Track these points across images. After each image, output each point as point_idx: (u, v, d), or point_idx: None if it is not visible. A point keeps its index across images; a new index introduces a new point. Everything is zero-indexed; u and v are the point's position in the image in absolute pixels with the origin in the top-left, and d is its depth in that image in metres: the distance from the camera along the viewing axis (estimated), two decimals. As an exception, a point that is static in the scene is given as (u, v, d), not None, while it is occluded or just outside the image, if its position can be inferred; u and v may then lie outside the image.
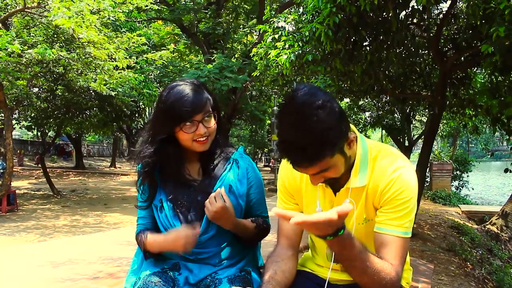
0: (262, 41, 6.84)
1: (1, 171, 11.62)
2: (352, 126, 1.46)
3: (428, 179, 15.61)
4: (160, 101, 1.65)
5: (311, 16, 5.65)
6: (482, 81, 8.00)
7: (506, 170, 6.87)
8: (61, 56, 8.55)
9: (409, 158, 11.58)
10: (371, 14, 5.30)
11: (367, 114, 14.49)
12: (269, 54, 6.11)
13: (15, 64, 9.01)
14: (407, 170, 1.40)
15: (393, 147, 1.51)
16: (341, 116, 1.28)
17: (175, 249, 1.60)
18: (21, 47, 8.00)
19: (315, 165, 1.29)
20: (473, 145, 46.71)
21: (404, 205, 1.37)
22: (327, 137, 1.22)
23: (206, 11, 14.93)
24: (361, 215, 1.46)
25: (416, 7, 5.53)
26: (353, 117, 13.52)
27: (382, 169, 1.41)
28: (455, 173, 16.55)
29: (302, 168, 1.32)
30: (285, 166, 1.61)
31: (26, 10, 8.73)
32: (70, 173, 23.15)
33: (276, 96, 21.03)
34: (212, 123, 1.67)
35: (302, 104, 1.24)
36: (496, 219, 10.59)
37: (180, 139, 1.65)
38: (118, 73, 9.56)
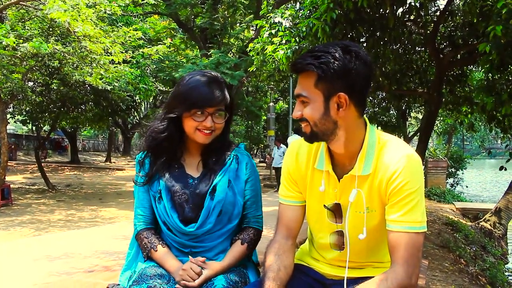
0: (259, 37, 6.83)
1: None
2: (365, 118, 1.48)
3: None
4: (181, 84, 1.69)
5: (308, 11, 5.65)
6: (478, 78, 8.03)
7: (501, 168, 6.88)
8: (57, 50, 8.48)
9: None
10: (368, 10, 5.31)
11: (363, 110, 14.49)
12: (266, 49, 6.11)
13: (9, 58, 8.93)
14: (414, 161, 1.39)
15: (401, 139, 1.51)
16: (349, 71, 1.33)
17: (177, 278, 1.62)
18: (16, 40, 7.94)
19: (301, 73, 1.38)
20: (468, 143, 46.92)
21: (411, 196, 1.36)
22: (325, 58, 1.32)
23: (203, 5, 14.87)
24: (361, 204, 1.45)
25: (413, 4, 5.54)
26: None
27: (388, 158, 1.40)
28: (450, 170, 16.61)
29: (297, 74, 1.41)
30: (291, 152, 1.61)
31: (21, 3, 8.66)
32: (65, 167, 23.04)
33: (272, 92, 21.02)
34: (222, 120, 1.69)
35: (344, 42, 1.39)
36: (489, 216, 10.64)
37: (185, 124, 1.67)
38: (114, 67, 9.51)
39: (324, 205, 1.52)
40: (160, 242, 1.71)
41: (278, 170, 13.94)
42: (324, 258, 1.62)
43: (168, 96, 1.80)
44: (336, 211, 1.51)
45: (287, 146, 13.41)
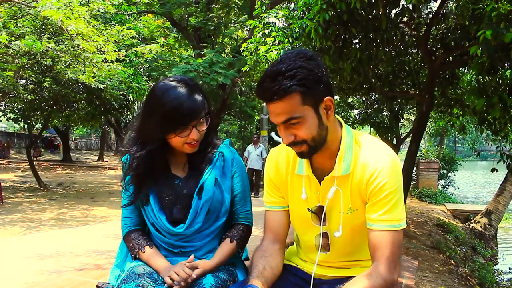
0: (252, 37, 6.84)
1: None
2: (338, 117, 1.49)
3: (415, 177, 15.74)
4: (155, 102, 1.59)
5: (301, 12, 5.68)
6: (470, 81, 8.09)
7: (492, 170, 6.93)
8: (49, 48, 8.44)
9: (396, 156, 11.65)
10: (361, 12, 5.32)
11: (356, 111, 14.56)
12: (259, 49, 6.12)
13: (1, 55, 8.88)
14: (392, 160, 1.42)
15: (377, 138, 1.53)
16: (323, 72, 1.35)
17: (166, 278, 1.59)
18: (8, 37, 7.88)
19: (282, 98, 1.30)
20: (460, 145, 47.18)
21: (390, 196, 1.38)
22: (300, 74, 1.29)
23: (197, 5, 14.85)
24: (346, 204, 1.47)
25: (406, 6, 5.57)
26: (342, 114, 13.58)
27: (367, 159, 1.42)
28: (441, 172, 16.71)
29: (274, 102, 1.33)
30: (271, 159, 1.63)
31: (13, 0, 8.60)
32: (57, 166, 22.91)
33: (265, 92, 20.99)
34: (205, 127, 1.66)
35: (289, 52, 1.37)
36: (480, 218, 10.74)
37: (171, 142, 1.64)
38: (107, 66, 9.47)
39: (308, 209, 1.53)
40: (148, 243, 1.71)
41: (255, 172, 12.70)
42: (312, 260, 1.63)
43: (138, 122, 1.70)
44: (320, 214, 1.52)
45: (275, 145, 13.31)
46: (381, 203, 1.39)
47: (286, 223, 1.63)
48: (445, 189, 17.20)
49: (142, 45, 11.42)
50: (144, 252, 1.68)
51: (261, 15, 6.57)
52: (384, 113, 12.89)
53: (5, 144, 26.44)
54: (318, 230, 1.55)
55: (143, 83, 11.94)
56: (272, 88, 1.31)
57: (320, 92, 1.35)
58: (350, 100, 12.61)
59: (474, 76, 6.56)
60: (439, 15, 6.34)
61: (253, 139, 13.16)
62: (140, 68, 12.92)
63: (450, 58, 6.97)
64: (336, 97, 11.38)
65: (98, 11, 8.92)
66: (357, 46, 6.04)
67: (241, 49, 7.24)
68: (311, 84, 1.31)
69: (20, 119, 17.01)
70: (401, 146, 15.24)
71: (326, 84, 1.36)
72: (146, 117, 1.64)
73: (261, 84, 1.34)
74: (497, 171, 6.83)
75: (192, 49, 15.85)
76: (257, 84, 1.37)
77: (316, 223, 1.54)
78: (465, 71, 8.10)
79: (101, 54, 8.97)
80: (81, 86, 12.24)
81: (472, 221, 11.05)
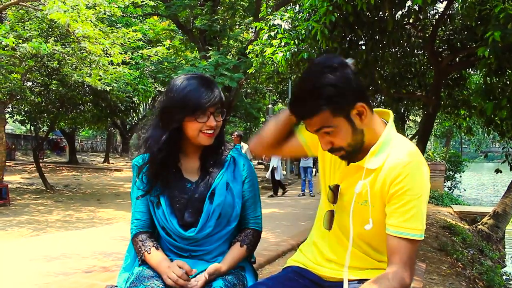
0: (258, 39, 6.85)
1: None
2: (386, 110, 1.53)
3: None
4: (174, 90, 1.64)
5: (307, 14, 5.67)
6: (477, 82, 8.06)
7: (496, 171, 6.90)
8: (56, 50, 8.49)
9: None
10: (367, 14, 5.32)
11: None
12: (265, 51, 6.12)
13: (9, 58, 8.95)
14: (420, 168, 1.41)
15: (415, 145, 1.53)
16: (349, 81, 1.36)
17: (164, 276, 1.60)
18: (16, 40, 7.93)
19: (313, 117, 1.36)
20: (466, 146, 46.98)
21: (412, 203, 1.38)
22: (327, 92, 1.32)
23: (202, 7, 14.88)
24: (364, 196, 1.47)
25: (412, 7, 5.56)
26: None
27: (397, 161, 1.41)
28: (448, 173, 16.61)
29: (306, 120, 1.41)
30: None
31: (20, 3, 8.66)
32: (63, 168, 23.00)
33: (271, 93, 21.05)
34: (221, 118, 1.70)
35: (316, 63, 1.40)
36: (487, 220, 10.65)
37: (188, 129, 1.65)
38: (113, 68, 9.51)
39: (329, 186, 1.57)
40: (154, 245, 1.70)
41: None
42: (322, 254, 1.62)
43: (159, 106, 1.72)
44: (335, 193, 1.54)
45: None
46: (402, 209, 1.38)
47: (294, 146, 1.71)
48: (452, 190, 17.11)
49: (148, 47, 11.45)
50: (150, 253, 1.68)
51: (266, 17, 6.58)
52: (390, 114, 12.86)
53: (13, 146, 26.57)
54: (328, 206, 1.59)
55: (149, 85, 11.98)
56: (301, 110, 1.39)
57: (350, 101, 1.36)
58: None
59: (481, 77, 6.52)
60: (446, 16, 6.32)
61: (233, 138, 10.47)
62: (146, 71, 12.96)
63: (457, 59, 6.95)
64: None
65: (104, 14, 8.96)
66: (363, 47, 6.03)
67: (247, 51, 7.25)
68: (339, 98, 1.33)
69: (26, 121, 17.08)
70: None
71: (355, 92, 1.37)
72: (165, 103, 1.68)
73: (292, 105, 1.42)
74: (500, 172, 6.80)
75: (197, 51, 15.89)
76: (288, 104, 1.44)
77: (329, 200, 1.57)
78: (472, 72, 8.07)
79: (107, 56, 9.02)
80: (87, 88, 12.30)
81: (479, 223, 10.97)
